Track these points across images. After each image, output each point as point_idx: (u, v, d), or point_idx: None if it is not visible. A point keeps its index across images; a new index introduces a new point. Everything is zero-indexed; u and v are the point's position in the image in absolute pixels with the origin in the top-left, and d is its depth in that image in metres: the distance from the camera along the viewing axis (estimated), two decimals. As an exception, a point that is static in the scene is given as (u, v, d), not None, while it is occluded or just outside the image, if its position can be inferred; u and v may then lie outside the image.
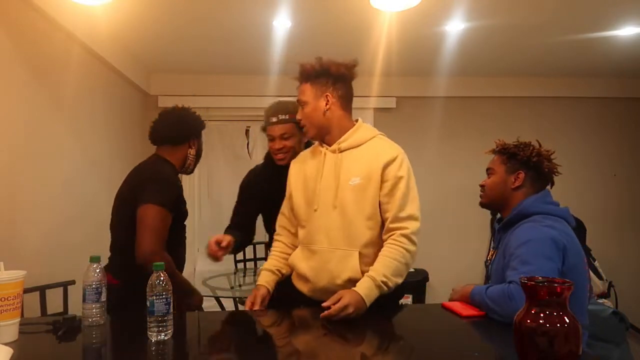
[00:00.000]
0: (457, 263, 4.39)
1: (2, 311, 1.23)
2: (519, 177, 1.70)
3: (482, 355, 1.27)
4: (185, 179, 4.35)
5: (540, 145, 1.74)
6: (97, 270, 1.43)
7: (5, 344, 1.16)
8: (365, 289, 1.54)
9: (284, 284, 1.83)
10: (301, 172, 1.80)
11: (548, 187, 1.75)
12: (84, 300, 1.42)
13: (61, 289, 2.32)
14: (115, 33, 3.20)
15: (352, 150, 1.72)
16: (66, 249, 2.71)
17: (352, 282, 1.60)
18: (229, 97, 4.29)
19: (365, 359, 1.29)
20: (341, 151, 1.71)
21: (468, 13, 2.92)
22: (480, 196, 1.80)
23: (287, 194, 1.85)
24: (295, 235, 1.83)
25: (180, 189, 2.12)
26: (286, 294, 1.79)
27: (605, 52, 3.70)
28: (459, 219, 4.44)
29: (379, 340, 1.47)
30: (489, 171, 1.79)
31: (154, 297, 1.31)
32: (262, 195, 2.10)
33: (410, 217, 1.65)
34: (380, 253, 1.64)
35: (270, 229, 2.10)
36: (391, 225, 1.65)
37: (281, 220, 1.89)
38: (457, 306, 1.57)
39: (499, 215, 1.81)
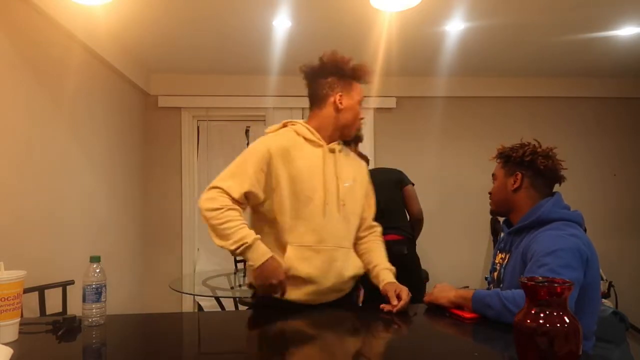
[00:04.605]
0: (457, 262, 4.39)
1: (2, 311, 1.23)
2: (517, 178, 1.70)
3: (482, 355, 1.27)
4: (185, 179, 4.37)
5: (539, 145, 1.74)
6: (97, 270, 1.43)
7: (5, 344, 1.16)
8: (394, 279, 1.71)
9: (261, 298, 1.70)
10: (287, 161, 1.64)
11: (557, 186, 1.74)
12: (84, 300, 1.41)
13: (60, 289, 2.32)
14: (115, 33, 3.20)
15: (342, 153, 1.77)
16: (66, 249, 2.71)
17: (354, 278, 1.72)
18: (229, 97, 4.30)
19: (363, 358, 1.29)
20: (337, 152, 1.74)
21: (468, 13, 2.92)
22: (489, 204, 1.82)
23: (256, 175, 1.62)
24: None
25: None
26: (267, 306, 1.68)
27: (606, 52, 3.71)
28: (458, 218, 4.44)
29: (378, 340, 1.47)
30: (493, 177, 1.80)
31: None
32: None
33: None
34: (376, 247, 1.82)
35: None
36: (373, 223, 1.86)
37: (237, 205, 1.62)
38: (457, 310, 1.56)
39: (504, 218, 1.81)
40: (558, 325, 0.95)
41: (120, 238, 3.69)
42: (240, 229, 1.58)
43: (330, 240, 1.66)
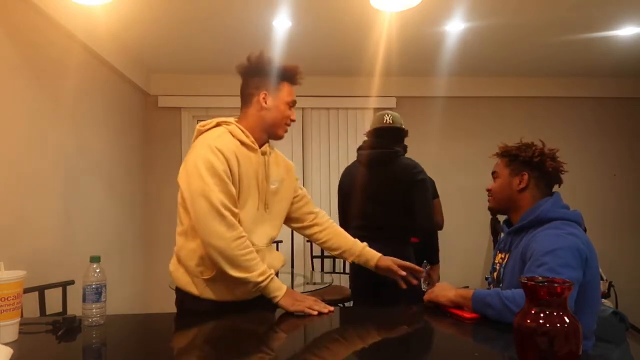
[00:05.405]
0: (457, 262, 4.39)
1: (2, 311, 1.23)
2: (523, 178, 1.70)
3: (482, 355, 1.27)
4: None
5: (543, 145, 1.74)
6: (97, 270, 1.43)
7: (5, 344, 1.16)
8: None
9: (187, 300, 1.71)
10: (236, 165, 1.62)
11: (557, 187, 1.74)
12: (84, 300, 1.42)
13: (60, 289, 2.31)
14: (115, 33, 3.20)
15: (272, 155, 1.77)
16: (66, 248, 2.71)
17: (278, 270, 1.76)
18: (229, 97, 4.27)
19: (363, 358, 1.29)
20: (268, 155, 1.74)
21: (468, 13, 2.93)
22: (488, 200, 1.81)
23: (229, 181, 1.60)
24: None
25: None
26: (191, 310, 1.69)
27: (606, 52, 3.71)
28: (458, 218, 4.43)
29: (377, 340, 1.47)
30: (494, 175, 1.79)
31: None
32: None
33: None
34: (340, 230, 1.90)
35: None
36: (315, 209, 1.91)
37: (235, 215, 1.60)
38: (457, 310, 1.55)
39: (504, 218, 1.81)
40: (558, 325, 0.95)
41: (121, 238, 3.69)
42: (260, 261, 1.58)
43: (261, 240, 1.69)
